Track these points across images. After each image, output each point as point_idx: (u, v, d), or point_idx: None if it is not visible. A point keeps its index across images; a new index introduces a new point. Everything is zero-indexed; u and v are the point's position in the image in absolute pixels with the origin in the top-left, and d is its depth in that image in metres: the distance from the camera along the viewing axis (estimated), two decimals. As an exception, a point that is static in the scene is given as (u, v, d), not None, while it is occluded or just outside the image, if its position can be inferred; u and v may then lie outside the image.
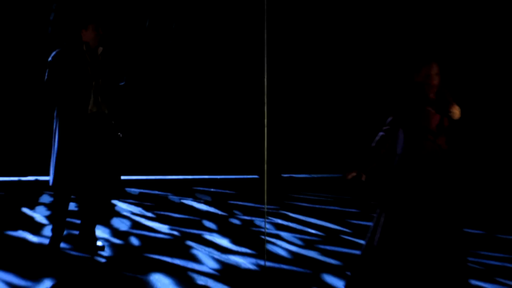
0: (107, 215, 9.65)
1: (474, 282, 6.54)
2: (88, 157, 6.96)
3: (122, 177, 13.56)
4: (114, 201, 11.01)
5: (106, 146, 7.08)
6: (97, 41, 7.09)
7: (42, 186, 11.54)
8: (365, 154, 6.10)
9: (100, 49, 7.15)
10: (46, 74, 6.93)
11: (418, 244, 5.89)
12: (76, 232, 7.82)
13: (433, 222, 5.90)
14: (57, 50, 7.00)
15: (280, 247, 8.10)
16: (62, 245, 7.56)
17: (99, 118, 7.02)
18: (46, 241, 7.76)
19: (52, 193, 6.76)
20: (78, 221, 7.77)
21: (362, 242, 8.17)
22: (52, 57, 6.92)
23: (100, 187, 7.15)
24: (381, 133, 6.10)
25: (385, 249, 5.95)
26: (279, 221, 9.81)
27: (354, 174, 5.99)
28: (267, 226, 9.36)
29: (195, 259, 7.36)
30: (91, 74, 6.98)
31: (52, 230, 7.16)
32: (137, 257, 7.38)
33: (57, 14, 13.25)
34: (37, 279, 6.45)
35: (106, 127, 7.08)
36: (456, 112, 5.93)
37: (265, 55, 6.63)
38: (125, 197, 11.58)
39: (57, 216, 7.08)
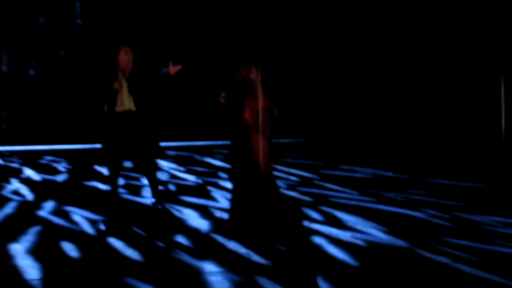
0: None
1: (402, 211, 6.40)
2: (122, 141, 6.53)
3: (163, 144, 13.59)
4: (158, 160, 10.88)
5: (136, 132, 6.55)
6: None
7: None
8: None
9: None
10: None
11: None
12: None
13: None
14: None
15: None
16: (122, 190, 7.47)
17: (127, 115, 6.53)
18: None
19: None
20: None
21: (329, 185, 8.14)
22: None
23: (141, 157, 6.69)
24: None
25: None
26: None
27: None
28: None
29: (213, 199, 7.30)
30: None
31: (109, 184, 6.83)
32: (173, 199, 7.31)
33: None
34: (104, 215, 6.44)
35: (134, 121, 6.54)
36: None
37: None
38: (165, 157, 11.58)
39: (110, 177, 6.71)
